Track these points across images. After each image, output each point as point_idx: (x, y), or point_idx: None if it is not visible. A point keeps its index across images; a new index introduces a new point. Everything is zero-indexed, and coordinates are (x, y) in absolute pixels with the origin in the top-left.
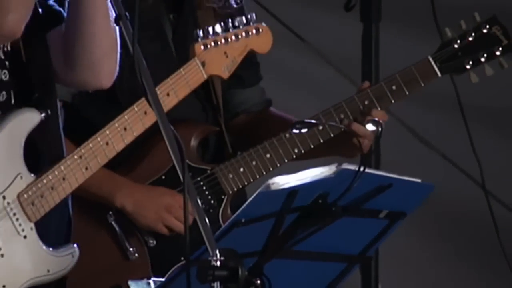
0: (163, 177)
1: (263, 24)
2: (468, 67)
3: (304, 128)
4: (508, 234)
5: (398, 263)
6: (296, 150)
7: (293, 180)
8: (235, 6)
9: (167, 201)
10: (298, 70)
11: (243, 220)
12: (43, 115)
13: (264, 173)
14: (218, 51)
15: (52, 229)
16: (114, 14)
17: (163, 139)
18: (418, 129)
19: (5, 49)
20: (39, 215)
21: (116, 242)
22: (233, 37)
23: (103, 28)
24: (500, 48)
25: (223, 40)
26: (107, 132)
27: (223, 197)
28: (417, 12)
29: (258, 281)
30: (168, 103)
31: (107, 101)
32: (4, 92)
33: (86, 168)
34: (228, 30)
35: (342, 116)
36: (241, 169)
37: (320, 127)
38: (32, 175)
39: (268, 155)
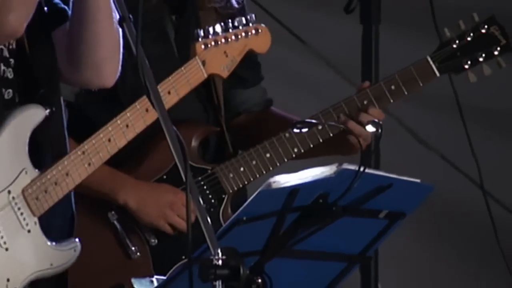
0: (164, 176)
1: (262, 24)
2: (466, 66)
3: (304, 127)
4: (506, 234)
5: (397, 263)
6: (295, 150)
7: (294, 179)
8: (236, 6)
9: (170, 198)
10: (298, 71)
11: (244, 218)
12: (48, 111)
13: (264, 172)
14: (218, 51)
15: (55, 224)
16: (117, 16)
17: (164, 139)
18: (417, 129)
19: (10, 47)
20: (43, 210)
21: (118, 241)
22: (233, 37)
23: (106, 28)
24: (498, 48)
25: (223, 40)
26: (110, 129)
27: (223, 196)
28: (416, 14)
29: (259, 280)
30: (169, 101)
31: (110, 101)
32: (10, 90)
33: (89, 164)
34: (228, 30)
35: (341, 116)
36: (241, 169)
37: (320, 127)
38: (37, 170)
39: (268, 155)
